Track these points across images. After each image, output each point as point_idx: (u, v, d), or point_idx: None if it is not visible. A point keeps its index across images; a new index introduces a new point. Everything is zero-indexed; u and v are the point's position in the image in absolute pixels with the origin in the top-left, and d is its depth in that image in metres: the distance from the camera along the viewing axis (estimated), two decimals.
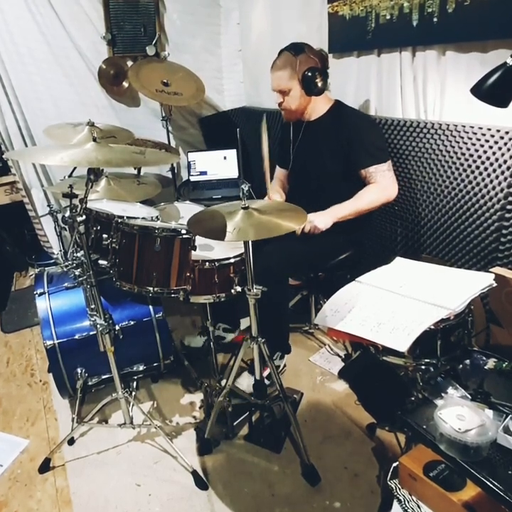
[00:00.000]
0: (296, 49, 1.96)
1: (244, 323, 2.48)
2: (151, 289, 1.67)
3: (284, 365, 2.22)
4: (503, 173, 1.66)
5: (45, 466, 1.80)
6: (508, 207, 1.67)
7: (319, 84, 1.95)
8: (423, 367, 1.38)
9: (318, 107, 2.07)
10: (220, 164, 3.12)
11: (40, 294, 1.95)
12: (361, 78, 2.29)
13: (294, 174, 2.24)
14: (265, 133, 1.94)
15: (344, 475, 1.70)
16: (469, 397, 1.31)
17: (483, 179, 1.75)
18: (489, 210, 1.75)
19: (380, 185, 1.96)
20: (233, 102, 3.54)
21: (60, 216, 2.50)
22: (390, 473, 1.41)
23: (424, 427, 1.25)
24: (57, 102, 2.99)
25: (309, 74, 1.93)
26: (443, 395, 1.34)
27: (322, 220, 1.92)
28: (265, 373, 1.97)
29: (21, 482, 1.77)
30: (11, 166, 3.02)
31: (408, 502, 1.34)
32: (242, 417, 1.93)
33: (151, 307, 1.99)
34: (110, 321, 1.66)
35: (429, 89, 1.94)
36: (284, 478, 1.71)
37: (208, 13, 3.25)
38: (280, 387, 1.71)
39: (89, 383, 1.96)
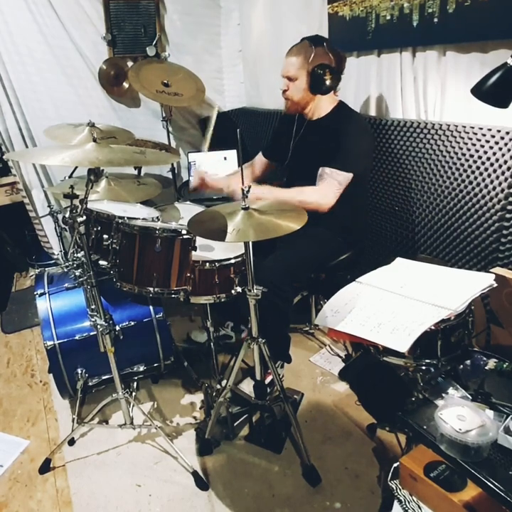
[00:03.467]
0: (316, 41, 1.92)
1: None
2: (151, 289, 1.67)
3: (283, 374, 2.21)
4: (503, 173, 1.66)
5: (46, 467, 1.80)
6: (509, 207, 1.67)
7: (327, 83, 1.89)
8: (423, 367, 1.38)
9: (322, 106, 2.02)
10: (220, 165, 3.11)
11: (41, 295, 1.95)
12: (361, 78, 2.29)
13: (290, 171, 2.22)
14: (214, 120, 1.91)
15: (345, 475, 1.70)
16: (470, 397, 1.31)
17: (484, 179, 1.75)
18: (490, 211, 1.75)
19: (319, 191, 1.91)
20: (233, 103, 3.55)
21: (60, 217, 2.50)
22: (390, 474, 1.41)
23: (425, 427, 1.25)
24: (58, 103, 3.00)
25: (319, 70, 1.88)
26: (443, 395, 1.34)
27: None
28: (268, 380, 1.96)
29: (22, 482, 1.77)
30: (11, 167, 3.02)
31: (409, 502, 1.34)
32: (242, 418, 1.93)
33: (151, 308, 1.99)
34: (110, 322, 1.66)
35: (429, 89, 1.94)
36: (284, 478, 1.71)
37: (208, 14, 3.26)
38: (280, 388, 1.71)
39: (90, 384, 1.96)
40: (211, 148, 2.06)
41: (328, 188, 1.90)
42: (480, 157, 1.74)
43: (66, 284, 1.97)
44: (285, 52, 2.00)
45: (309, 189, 1.94)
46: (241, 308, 2.34)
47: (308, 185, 2.08)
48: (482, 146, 1.72)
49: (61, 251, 2.77)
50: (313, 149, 2.06)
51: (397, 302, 1.42)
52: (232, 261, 1.77)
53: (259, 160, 2.38)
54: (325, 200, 1.90)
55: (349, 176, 1.89)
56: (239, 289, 1.78)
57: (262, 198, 1.72)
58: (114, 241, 1.66)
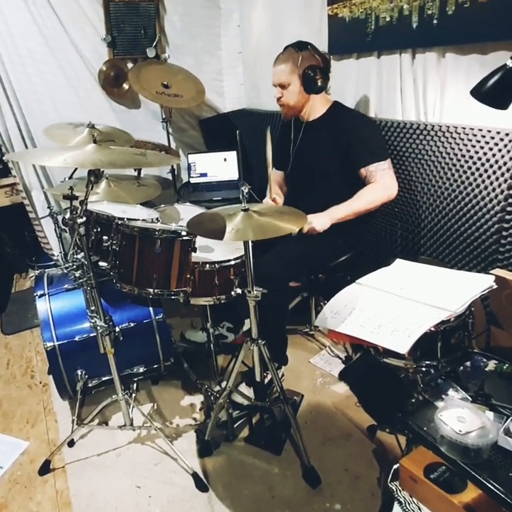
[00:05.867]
0: (301, 45, 1.98)
1: (247, 324, 2.47)
2: (151, 290, 1.67)
3: (282, 375, 2.20)
4: (503, 174, 1.66)
5: (45, 468, 1.80)
6: (508, 208, 1.67)
7: (319, 83, 1.96)
8: (423, 369, 1.38)
9: (316, 107, 2.08)
10: (220, 166, 3.12)
11: (41, 296, 1.95)
12: (361, 80, 2.29)
13: (294, 174, 2.24)
14: (269, 141, 1.95)
15: (345, 477, 1.70)
16: (470, 399, 1.31)
17: (483, 181, 1.75)
18: (489, 212, 1.75)
19: (381, 184, 1.95)
20: (233, 104, 3.55)
21: (60, 218, 2.50)
22: (390, 475, 1.41)
23: (425, 428, 1.24)
24: (58, 104, 3.00)
25: (310, 72, 1.94)
26: (443, 396, 1.34)
27: (320, 221, 1.91)
28: (266, 380, 1.96)
29: (21, 484, 1.77)
30: (11, 168, 3.02)
31: (409, 504, 1.34)
32: (242, 419, 1.93)
33: (151, 309, 1.99)
34: (110, 323, 1.66)
35: (429, 91, 1.94)
36: (284, 480, 1.70)
37: (208, 15, 3.26)
38: (280, 389, 1.71)
39: (90, 385, 1.96)
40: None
41: (384, 179, 1.95)
42: (479, 159, 1.74)
43: (66, 285, 1.97)
44: None
45: (370, 190, 1.96)
46: (237, 308, 2.35)
47: (312, 187, 2.10)
48: (482, 148, 1.72)
49: (61, 252, 2.76)
50: (316, 148, 2.09)
51: (397, 304, 1.42)
52: (232, 262, 1.77)
53: (277, 174, 2.38)
54: (389, 190, 1.97)
55: (389, 160, 1.98)
56: (238, 291, 1.78)
57: (344, 218, 1.94)
58: (114, 242, 1.66)
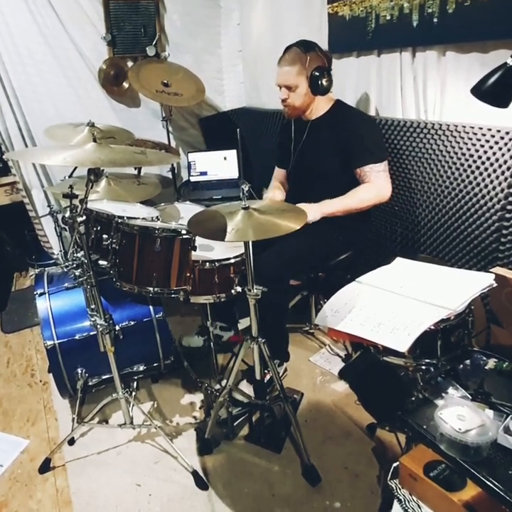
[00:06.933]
0: (307, 46, 1.96)
1: (244, 323, 2.48)
2: (151, 289, 1.67)
3: (285, 370, 2.21)
4: (503, 173, 1.66)
5: (46, 466, 1.80)
6: (508, 207, 1.67)
7: (325, 84, 1.95)
8: (423, 367, 1.38)
9: (320, 106, 2.07)
10: (220, 164, 3.12)
11: (41, 294, 1.95)
12: (361, 78, 2.29)
13: (296, 172, 2.24)
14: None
15: (344, 475, 1.70)
16: (470, 397, 1.31)
17: (484, 179, 1.75)
18: (489, 210, 1.75)
19: (374, 185, 1.95)
20: (233, 103, 3.54)
21: (60, 216, 2.50)
22: (390, 474, 1.41)
23: (425, 427, 1.25)
24: (58, 103, 2.99)
25: (317, 73, 1.93)
26: (443, 395, 1.34)
27: (311, 212, 1.87)
28: (267, 378, 1.96)
29: (21, 482, 1.77)
30: (11, 167, 3.02)
31: (408, 502, 1.34)
32: (242, 418, 1.93)
33: (151, 307, 1.99)
34: (110, 321, 1.66)
35: (429, 89, 1.94)
36: (284, 478, 1.71)
37: (208, 14, 3.26)
38: (280, 388, 1.72)
39: (90, 383, 1.96)
40: None
41: (378, 180, 1.95)
42: (480, 157, 1.74)
43: (66, 284, 1.97)
44: None
45: (362, 190, 1.97)
46: (229, 307, 2.35)
47: (313, 185, 2.10)
48: (482, 146, 1.72)
49: (61, 251, 2.76)
50: (318, 147, 2.09)
51: (397, 302, 1.42)
52: (232, 260, 1.77)
53: (279, 173, 2.38)
54: (382, 192, 1.97)
55: (385, 162, 1.97)
56: (239, 289, 1.78)
57: (334, 213, 1.93)
58: (114, 241, 1.66)
